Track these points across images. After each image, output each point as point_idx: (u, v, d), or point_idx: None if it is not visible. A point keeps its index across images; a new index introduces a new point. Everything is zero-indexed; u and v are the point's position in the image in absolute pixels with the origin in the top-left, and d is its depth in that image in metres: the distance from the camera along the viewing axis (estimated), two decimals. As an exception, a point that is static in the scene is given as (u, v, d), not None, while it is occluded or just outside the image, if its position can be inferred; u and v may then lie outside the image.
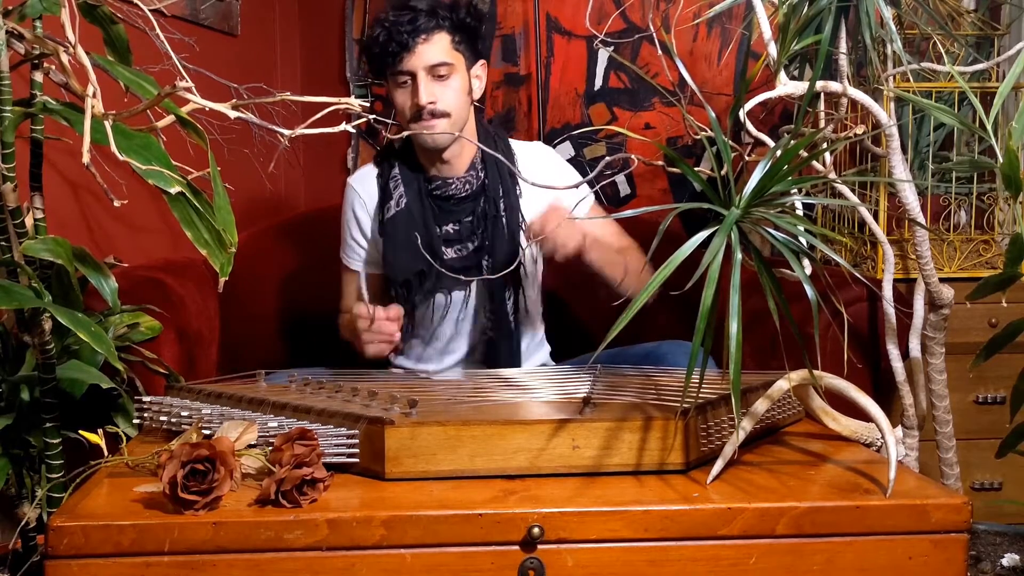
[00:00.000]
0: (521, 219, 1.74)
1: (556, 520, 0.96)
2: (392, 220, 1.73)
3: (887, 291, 1.58)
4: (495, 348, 1.75)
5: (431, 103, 1.65)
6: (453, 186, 1.74)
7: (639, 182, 2.57)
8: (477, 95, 1.76)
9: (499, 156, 1.43)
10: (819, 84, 1.39)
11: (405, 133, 1.65)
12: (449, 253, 1.74)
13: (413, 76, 1.66)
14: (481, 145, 1.65)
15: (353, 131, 2.45)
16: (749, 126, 1.39)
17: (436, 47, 1.66)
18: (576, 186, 1.26)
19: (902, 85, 1.86)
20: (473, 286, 1.76)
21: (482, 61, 1.76)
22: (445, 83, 1.67)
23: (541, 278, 1.86)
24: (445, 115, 1.67)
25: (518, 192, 1.76)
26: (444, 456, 1.05)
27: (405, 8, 1.67)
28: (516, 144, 1.85)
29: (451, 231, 1.75)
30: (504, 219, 1.73)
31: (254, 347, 1.99)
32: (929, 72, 1.78)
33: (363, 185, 1.82)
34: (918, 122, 2.01)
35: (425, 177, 1.75)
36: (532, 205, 1.75)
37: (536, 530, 0.95)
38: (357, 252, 1.84)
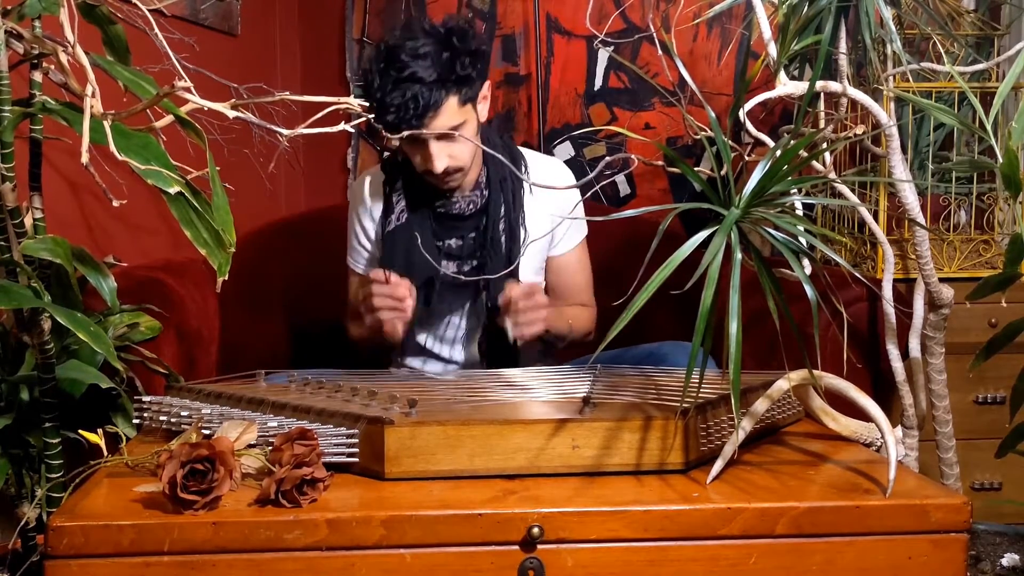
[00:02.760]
0: (523, 237, 1.73)
1: (556, 520, 0.96)
2: (392, 234, 1.72)
3: (887, 291, 1.58)
4: (490, 364, 1.73)
5: (446, 166, 1.62)
6: (456, 205, 1.72)
7: (639, 182, 2.57)
8: (484, 116, 1.71)
9: (500, 156, 1.43)
10: (819, 84, 1.39)
11: (404, 134, 1.64)
12: (450, 268, 1.72)
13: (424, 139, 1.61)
14: (485, 148, 1.64)
15: (353, 131, 2.45)
16: (749, 126, 1.39)
17: (445, 115, 1.59)
18: (576, 186, 1.26)
19: (902, 85, 1.86)
20: (470, 305, 1.75)
21: (486, 81, 1.70)
22: (455, 139, 1.62)
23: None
24: (459, 170, 1.65)
25: (522, 212, 1.74)
26: (444, 456, 1.05)
27: (407, 79, 1.55)
28: (532, 155, 1.83)
29: (453, 246, 1.73)
30: (503, 239, 1.71)
31: (254, 347, 1.98)
32: (929, 72, 1.78)
33: (368, 189, 1.81)
34: (918, 122, 2.01)
35: (429, 192, 1.73)
36: (536, 224, 1.74)
37: (536, 530, 0.95)
38: (362, 255, 1.84)
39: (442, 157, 1.60)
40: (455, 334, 1.79)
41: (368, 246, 1.82)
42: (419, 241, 1.68)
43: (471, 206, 1.72)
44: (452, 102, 1.59)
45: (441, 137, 1.61)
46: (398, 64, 1.56)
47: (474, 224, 1.73)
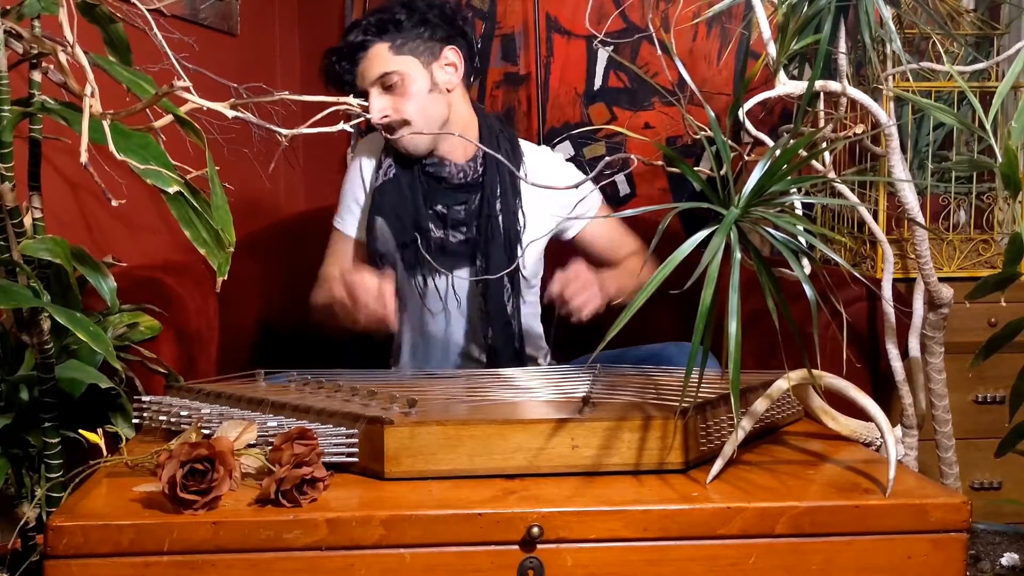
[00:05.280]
0: (520, 222, 1.73)
1: (555, 520, 0.96)
2: (380, 189, 1.72)
3: (886, 291, 1.58)
4: (495, 354, 1.73)
5: (384, 117, 1.64)
6: (447, 169, 1.71)
7: (639, 182, 2.57)
8: (453, 85, 1.71)
9: (499, 157, 1.42)
10: (818, 84, 1.39)
11: (401, 135, 1.65)
12: (436, 232, 1.72)
13: (367, 94, 1.65)
14: (482, 146, 1.63)
15: (353, 131, 2.45)
16: (748, 126, 1.39)
17: (373, 61, 1.65)
18: (576, 186, 1.25)
19: (901, 85, 1.86)
20: (464, 284, 1.74)
21: (451, 47, 1.69)
22: (398, 92, 1.65)
23: (540, 282, 1.84)
24: (404, 123, 1.66)
25: (519, 194, 1.73)
26: (443, 456, 1.05)
27: (349, 30, 1.70)
28: (527, 145, 1.83)
29: (441, 211, 1.72)
30: (500, 220, 1.70)
31: (254, 347, 1.98)
32: (928, 72, 1.78)
33: (371, 147, 1.82)
34: (917, 122, 2.01)
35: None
36: (533, 209, 1.74)
37: (535, 530, 0.95)
38: (354, 214, 1.81)
39: (378, 107, 1.65)
40: (448, 330, 1.78)
41: (362, 202, 1.80)
42: (406, 198, 1.70)
43: (462, 175, 1.72)
44: (380, 47, 1.65)
45: (386, 90, 1.66)
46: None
47: (464, 198, 1.72)
